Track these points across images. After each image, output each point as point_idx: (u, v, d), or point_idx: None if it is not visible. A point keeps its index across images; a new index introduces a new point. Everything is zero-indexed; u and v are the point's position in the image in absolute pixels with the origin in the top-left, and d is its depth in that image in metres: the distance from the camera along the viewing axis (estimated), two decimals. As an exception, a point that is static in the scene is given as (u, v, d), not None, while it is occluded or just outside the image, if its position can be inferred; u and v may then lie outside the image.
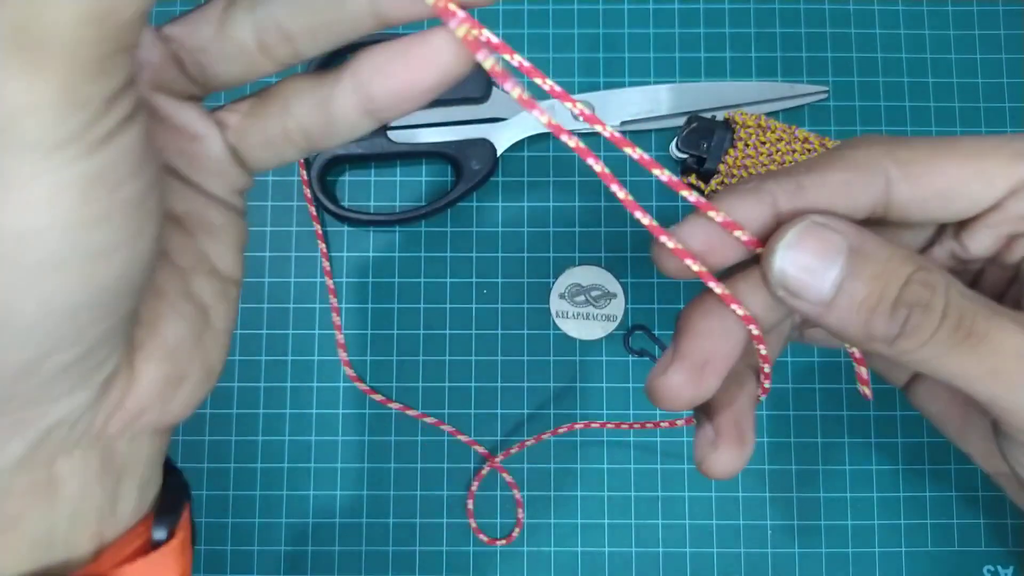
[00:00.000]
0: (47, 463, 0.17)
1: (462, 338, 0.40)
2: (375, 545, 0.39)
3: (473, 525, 0.39)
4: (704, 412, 0.21)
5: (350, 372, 0.40)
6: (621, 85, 0.41)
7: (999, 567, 0.39)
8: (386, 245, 0.41)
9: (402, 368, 0.40)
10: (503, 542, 0.39)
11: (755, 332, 0.20)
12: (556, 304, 0.40)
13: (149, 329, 0.18)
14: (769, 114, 0.41)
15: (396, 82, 0.17)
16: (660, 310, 0.40)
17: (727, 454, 0.20)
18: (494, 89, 0.40)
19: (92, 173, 0.13)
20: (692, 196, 0.19)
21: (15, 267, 0.13)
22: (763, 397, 0.22)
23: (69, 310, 0.14)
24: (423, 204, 0.40)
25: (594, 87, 0.42)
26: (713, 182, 0.38)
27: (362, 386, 0.39)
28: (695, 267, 0.19)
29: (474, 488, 0.39)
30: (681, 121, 0.40)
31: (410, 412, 0.39)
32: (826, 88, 0.41)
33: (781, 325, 0.22)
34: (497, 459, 0.39)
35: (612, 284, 0.40)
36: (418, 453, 0.39)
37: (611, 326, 0.40)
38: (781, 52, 0.42)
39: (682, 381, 0.19)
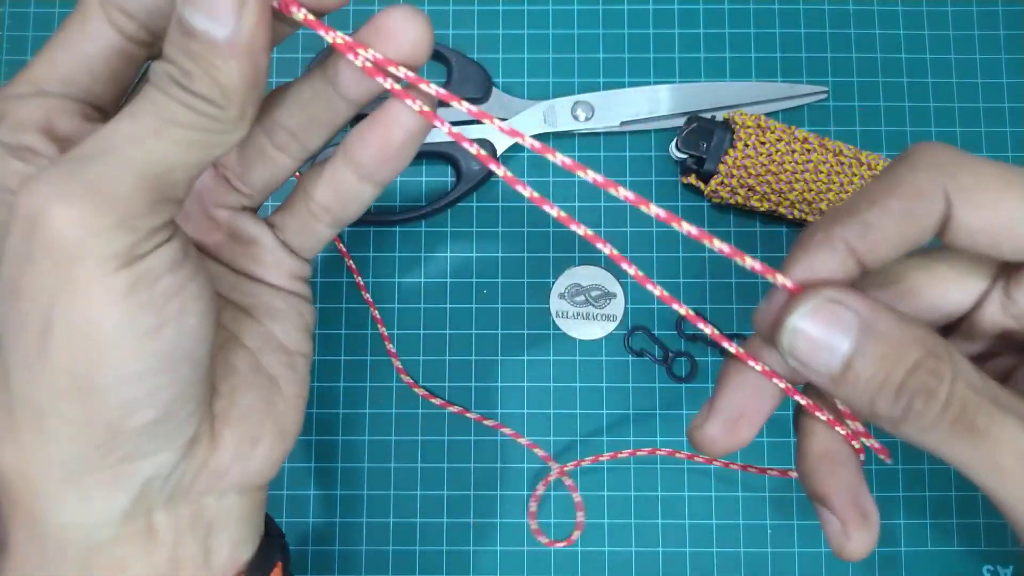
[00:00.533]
0: (146, 513, 0.21)
1: (462, 338, 0.40)
2: (375, 545, 0.39)
3: (533, 527, 0.38)
4: (821, 503, 0.21)
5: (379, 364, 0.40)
6: (621, 85, 0.41)
7: (999, 567, 0.39)
8: (386, 245, 0.41)
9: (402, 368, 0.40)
10: (563, 544, 0.38)
11: (832, 426, 0.22)
12: (556, 304, 0.40)
13: (226, 400, 0.22)
14: (769, 114, 0.41)
15: (373, 146, 0.21)
16: (660, 310, 0.40)
17: (859, 537, 0.21)
18: (494, 90, 0.40)
19: (135, 273, 0.18)
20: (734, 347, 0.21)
21: (90, 343, 0.18)
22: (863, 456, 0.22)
23: (136, 375, 0.18)
24: (423, 204, 0.41)
25: (594, 87, 0.42)
26: (713, 182, 0.38)
27: (409, 378, 0.39)
28: (731, 348, 0.21)
29: (539, 491, 0.38)
30: (681, 121, 0.40)
31: (438, 401, 0.39)
32: (826, 88, 0.41)
33: None
34: (566, 467, 0.38)
35: (612, 284, 0.40)
36: (418, 453, 0.40)
37: (611, 326, 0.40)
38: (781, 52, 0.42)
39: (717, 433, 0.21)
